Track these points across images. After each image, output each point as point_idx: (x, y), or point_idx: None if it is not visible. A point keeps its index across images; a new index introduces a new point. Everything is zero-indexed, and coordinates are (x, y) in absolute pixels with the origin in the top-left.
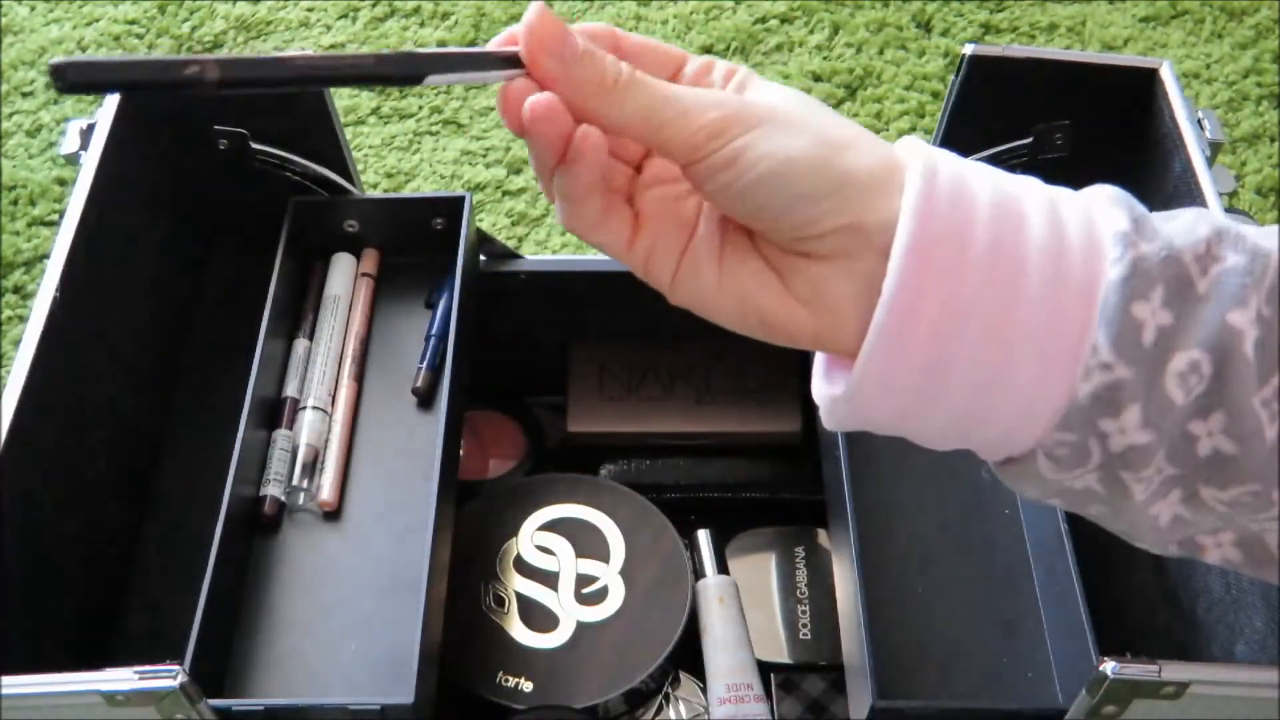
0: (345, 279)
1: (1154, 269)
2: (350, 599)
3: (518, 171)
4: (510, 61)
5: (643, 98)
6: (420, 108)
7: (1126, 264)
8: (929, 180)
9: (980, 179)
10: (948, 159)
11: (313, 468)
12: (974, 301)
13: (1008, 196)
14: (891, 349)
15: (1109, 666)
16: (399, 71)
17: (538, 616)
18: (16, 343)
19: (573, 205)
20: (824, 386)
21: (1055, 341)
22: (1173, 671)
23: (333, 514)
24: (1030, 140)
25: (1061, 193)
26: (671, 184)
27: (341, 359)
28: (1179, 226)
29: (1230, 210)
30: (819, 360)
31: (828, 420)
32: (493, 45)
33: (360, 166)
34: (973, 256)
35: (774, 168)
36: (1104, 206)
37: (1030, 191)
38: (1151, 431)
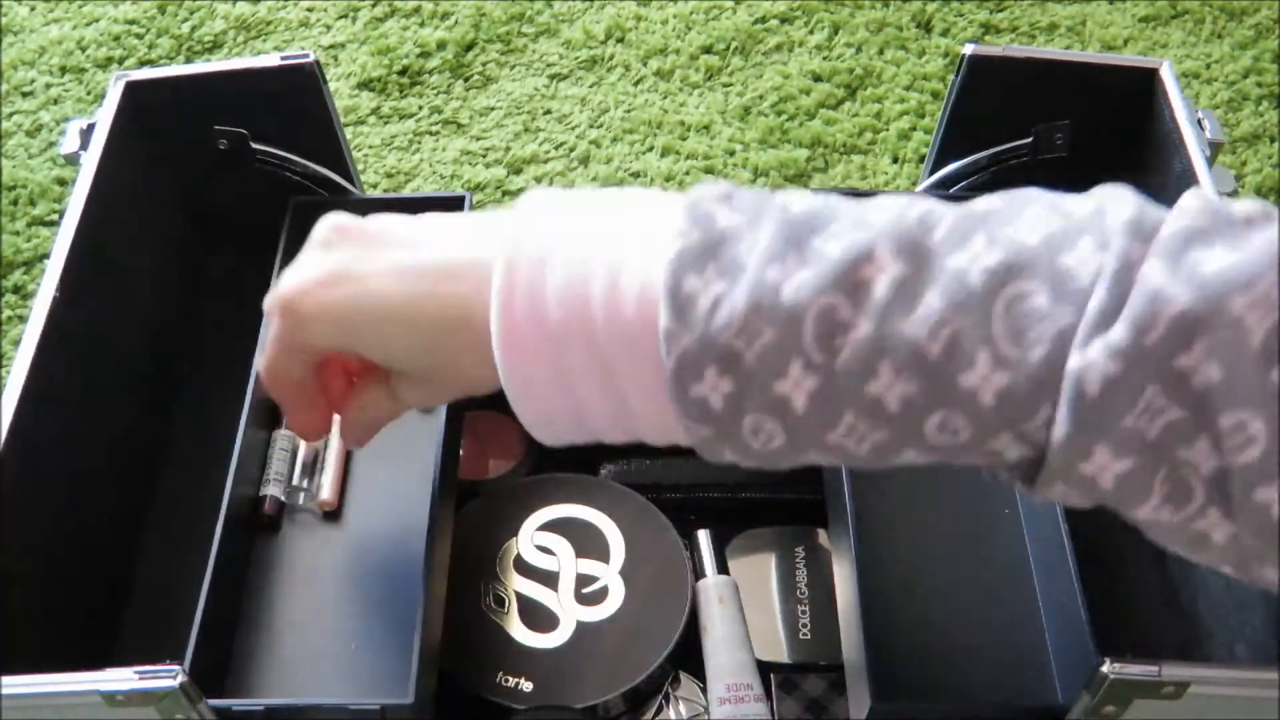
0: None
1: (699, 357)
2: (350, 599)
3: (518, 171)
4: None
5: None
6: (420, 108)
7: (674, 359)
8: (506, 317)
9: (554, 273)
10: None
11: (313, 468)
12: (572, 382)
13: (579, 281)
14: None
15: (1109, 666)
16: None
17: (538, 616)
18: (16, 343)
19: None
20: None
21: (651, 414)
22: (1173, 671)
23: (333, 514)
24: (1030, 140)
25: (629, 256)
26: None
27: None
28: (722, 301)
29: None
30: None
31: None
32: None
33: (360, 166)
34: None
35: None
36: (662, 294)
37: (598, 262)
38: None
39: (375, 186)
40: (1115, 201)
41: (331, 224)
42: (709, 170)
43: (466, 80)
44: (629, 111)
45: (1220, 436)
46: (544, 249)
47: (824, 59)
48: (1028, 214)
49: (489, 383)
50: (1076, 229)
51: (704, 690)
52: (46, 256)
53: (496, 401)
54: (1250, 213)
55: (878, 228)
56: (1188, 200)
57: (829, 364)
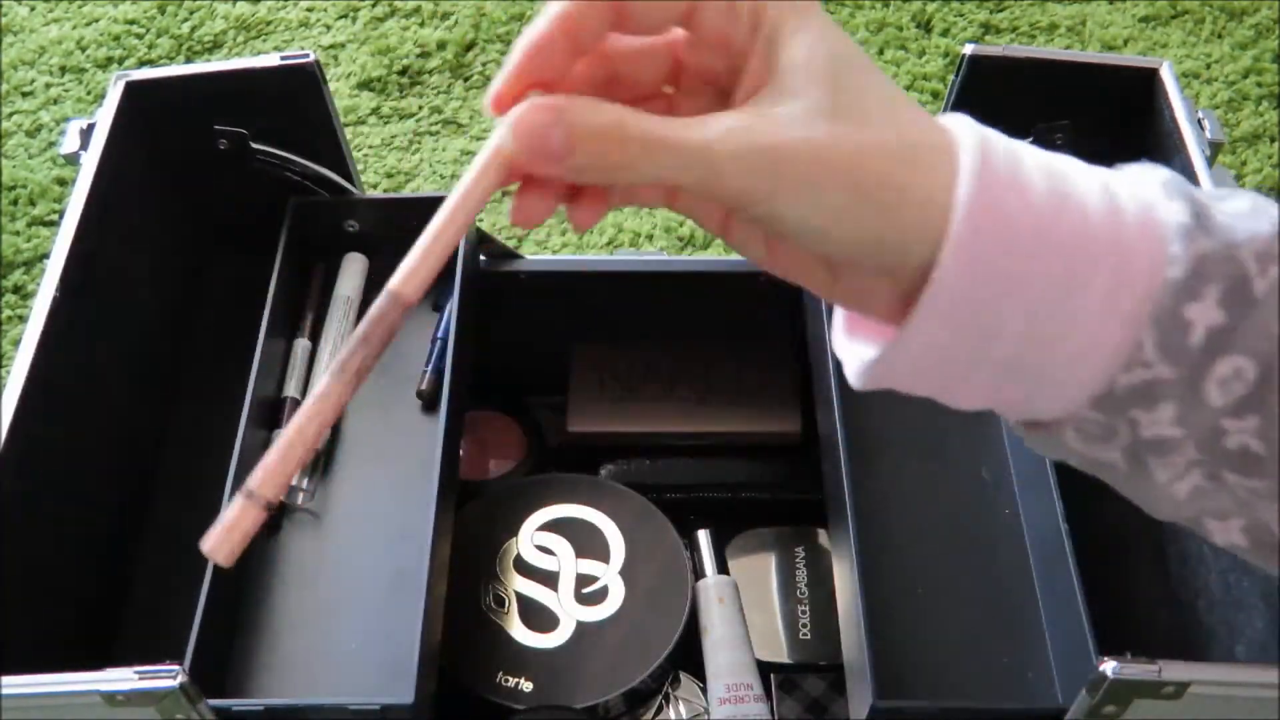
0: (356, 280)
1: (1213, 268)
2: (350, 599)
3: None
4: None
5: (651, 163)
6: (420, 108)
7: (1186, 262)
8: (985, 167)
9: (1033, 164)
10: (999, 140)
11: (313, 468)
12: (1025, 279)
13: (1060, 179)
14: (940, 321)
15: (1109, 667)
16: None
17: (538, 616)
18: (16, 343)
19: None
20: (848, 344)
21: (1104, 328)
22: (1173, 671)
23: (333, 514)
24: (1030, 140)
25: (1113, 176)
26: None
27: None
28: (1240, 219)
29: None
30: (840, 316)
31: (855, 380)
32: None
33: (360, 166)
34: (1026, 238)
35: (803, 230)
36: (1161, 196)
37: (1081, 174)
38: (1183, 427)
39: (375, 186)
40: None
41: None
42: None
43: (466, 80)
44: None
45: None
46: (1013, 144)
47: None
48: None
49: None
50: None
51: (704, 690)
52: (46, 256)
53: (497, 402)
54: None
55: None
56: None
57: None
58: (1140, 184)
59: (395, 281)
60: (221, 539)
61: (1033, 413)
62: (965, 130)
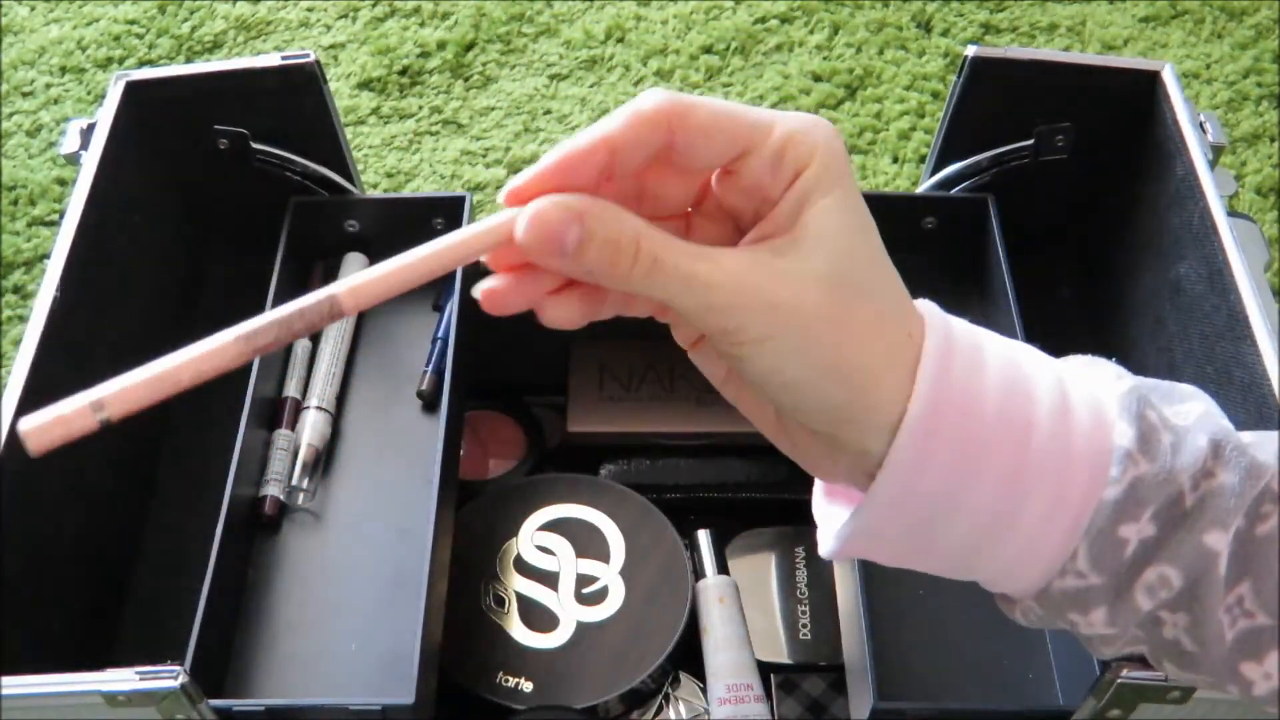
0: None
1: (1149, 492)
2: (350, 599)
3: (518, 171)
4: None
5: (656, 283)
6: (420, 108)
7: (1124, 486)
8: (939, 383)
9: (991, 372)
10: (962, 339)
11: (313, 468)
12: (969, 498)
13: (1016, 392)
14: (881, 523)
15: (1116, 671)
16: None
17: (538, 616)
18: (16, 343)
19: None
20: (824, 504)
21: (1042, 536)
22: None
23: (333, 514)
24: (1031, 141)
25: (1073, 387)
26: None
27: (351, 360)
28: (1182, 425)
29: (1232, 214)
30: (819, 484)
31: (822, 549)
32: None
33: (360, 166)
34: (974, 447)
35: (773, 382)
36: (1114, 411)
37: (1042, 384)
38: (1117, 627)
39: (375, 186)
40: None
41: None
42: None
43: (466, 80)
44: None
45: None
46: (977, 338)
47: (824, 59)
48: None
49: (855, 445)
50: None
51: (704, 690)
52: (46, 256)
53: (497, 402)
54: None
55: None
56: None
57: (1249, 530)
58: (1097, 392)
59: (342, 289)
60: (44, 428)
61: (996, 587)
62: (933, 324)
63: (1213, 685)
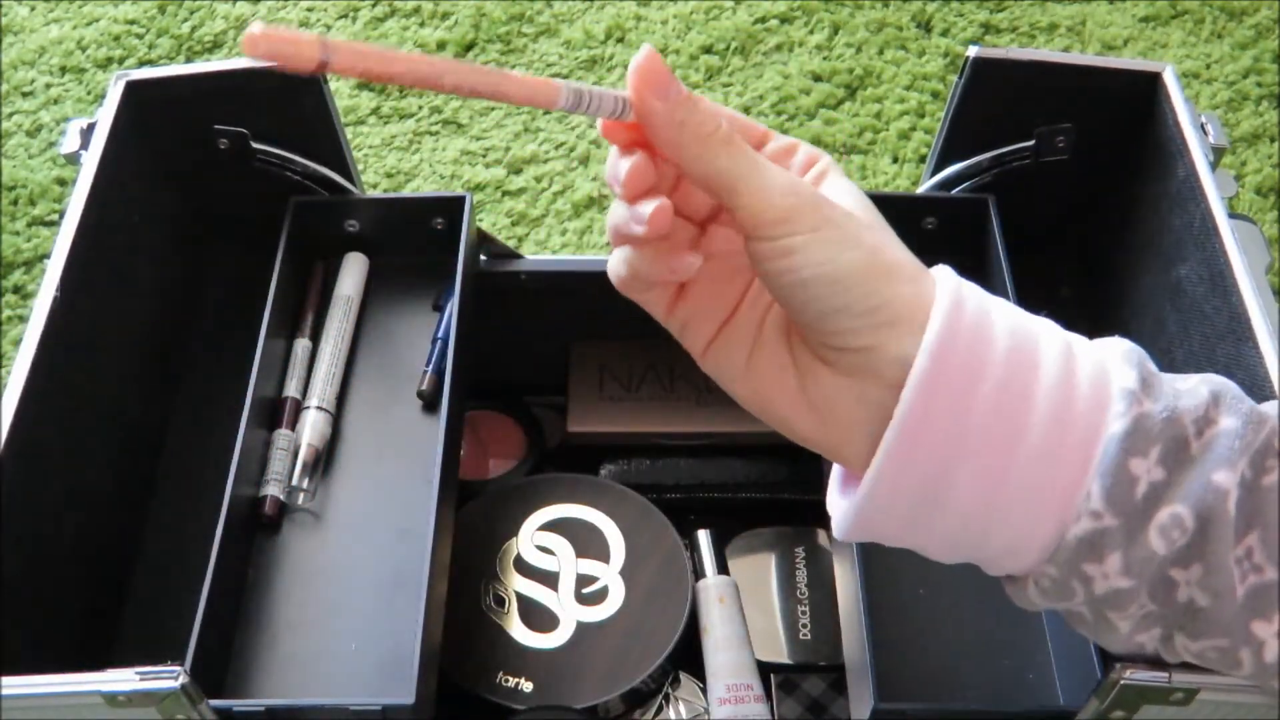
0: (356, 279)
1: (1155, 428)
2: (350, 599)
3: (518, 171)
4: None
5: (733, 158)
6: (420, 108)
7: (1129, 420)
8: (952, 316)
9: (1001, 318)
10: (975, 294)
11: (313, 468)
12: (978, 436)
13: (1025, 338)
14: (896, 474)
15: (1120, 672)
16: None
17: (538, 616)
18: (16, 343)
19: (634, 274)
20: (837, 498)
21: (1051, 484)
22: (1183, 677)
23: (333, 514)
24: (1032, 143)
25: (1078, 342)
26: (728, 258)
27: (351, 360)
28: (1184, 386)
29: (1233, 216)
30: (836, 472)
31: (837, 530)
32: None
33: (360, 166)
34: (983, 392)
35: (824, 274)
36: (1117, 362)
37: (1048, 336)
38: (1132, 578)
39: (375, 186)
40: None
41: None
42: None
43: None
44: None
45: None
46: (985, 302)
47: (824, 59)
48: None
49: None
50: None
51: (704, 690)
52: (46, 256)
53: (497, 402)
54: None
55: None
56: None
57: (1255, 480)
58: (1100, 348)
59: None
60: (273, 34)
61: (1001, 567)
62: (944, 285)
63: (1224, 658)
